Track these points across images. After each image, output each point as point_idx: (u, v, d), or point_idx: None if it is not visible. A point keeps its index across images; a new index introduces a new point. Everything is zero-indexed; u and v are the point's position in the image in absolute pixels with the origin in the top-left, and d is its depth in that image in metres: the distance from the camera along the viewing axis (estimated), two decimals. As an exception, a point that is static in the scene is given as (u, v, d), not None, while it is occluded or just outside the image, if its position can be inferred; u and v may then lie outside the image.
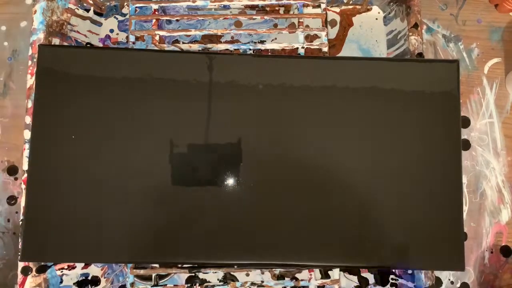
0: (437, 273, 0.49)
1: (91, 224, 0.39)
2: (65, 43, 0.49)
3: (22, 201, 0.41)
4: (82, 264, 0.47)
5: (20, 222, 0.43)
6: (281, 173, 0.41)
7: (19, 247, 0.40)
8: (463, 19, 0.54)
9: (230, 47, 0.47)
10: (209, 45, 0.47)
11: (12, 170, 0.51)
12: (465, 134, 0.52)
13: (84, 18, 0.52)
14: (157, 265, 0.45)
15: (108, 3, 0.54)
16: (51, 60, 0.41)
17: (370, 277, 0.50)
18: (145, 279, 0.45)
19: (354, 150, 0.41)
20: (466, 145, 0.52)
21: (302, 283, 0.45)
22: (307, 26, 0.48)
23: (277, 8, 0.55)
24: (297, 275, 0.48)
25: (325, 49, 0.47)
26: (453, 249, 0.40)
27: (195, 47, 0.48)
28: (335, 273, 0.46)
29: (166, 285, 0.45)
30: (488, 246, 0.50)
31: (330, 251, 0.40)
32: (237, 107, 0.41)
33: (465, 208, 0.51)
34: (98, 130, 0.40)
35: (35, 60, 0.44)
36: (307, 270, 0.46)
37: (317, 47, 0.47)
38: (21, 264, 0.42)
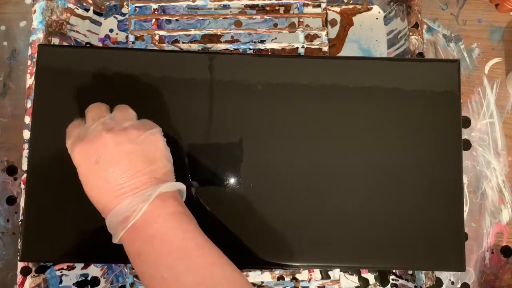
0: (438, 273, 0.49)
1: (90, 225, 0.39)
2: (65, 43, 0.49)
3: (21, 201, 0.41)
4: (82, 265, 0.47)
5: (20, 222, 0.42)
6: (281, 173, 0.41)
7: (19, 247, 0.40)
8: (463, 19, 0.54)
9: (230, 46, 0.47)
10: (209, 45, 0.47)
11: (12, 170, 0.51)
12: (465, 134, 0.52)
13: (83, 17, 0.52)
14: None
15: (108, 3, 0.54)
16: (51, 60, 0.41)
17: (371, 278, 0.50)
18: (145, 279, 0.44)
19: (354, 150, 0.41)
20: (467, 145, 0.52)
21: (302, 284, 0.45)
22: (307, 25, 0.48)
23: (277, 8, 0.54)
24: (297, 276, 0.48)
25: (325, 48, 0.47)
26: (453, 249, 0.40)
27: (195, 46, 0.48)
28: (335, 274, 0.46)
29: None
30: (489, 246, 0.50)
31: (330, 251, 0.40)
32: (237, 107, 0.41)
33: (466, 209, 0.51)
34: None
35: (34, 60, 0.44)
36: (307, 271, 0.46)
37: (317, 46, 0.47)
38: (20, 264, 0.42)
